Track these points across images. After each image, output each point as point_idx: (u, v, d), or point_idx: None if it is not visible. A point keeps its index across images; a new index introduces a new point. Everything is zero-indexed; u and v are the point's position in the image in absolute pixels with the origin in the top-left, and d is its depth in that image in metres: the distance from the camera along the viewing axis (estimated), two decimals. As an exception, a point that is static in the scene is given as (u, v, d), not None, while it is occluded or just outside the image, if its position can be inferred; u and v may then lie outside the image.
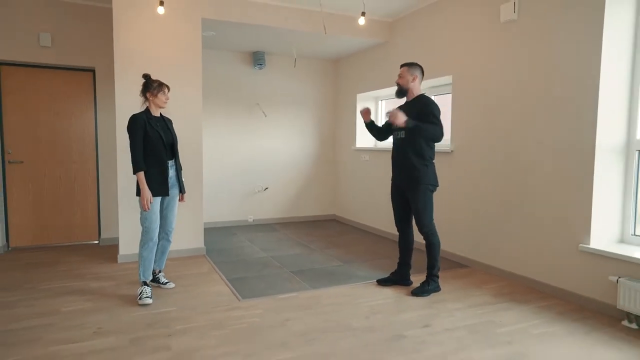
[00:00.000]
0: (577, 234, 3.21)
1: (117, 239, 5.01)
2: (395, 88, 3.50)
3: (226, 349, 2.49)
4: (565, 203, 3.29)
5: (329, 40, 5.38)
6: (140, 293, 3.20)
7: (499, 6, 3.81)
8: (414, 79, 3.38)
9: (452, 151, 4.42)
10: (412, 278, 3.67)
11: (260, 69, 6.16)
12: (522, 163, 3.65)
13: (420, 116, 3.26)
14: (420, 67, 3.45)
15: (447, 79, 4.56)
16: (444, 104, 4.83)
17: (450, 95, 4.47)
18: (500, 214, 3.88)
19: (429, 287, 3.41)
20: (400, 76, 3.42)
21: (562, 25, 3.29)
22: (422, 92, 3.45)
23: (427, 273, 3.46)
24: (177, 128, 4.30)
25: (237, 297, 3.35)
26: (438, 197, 4.62)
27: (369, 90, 5.88)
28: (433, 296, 3.39)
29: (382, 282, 3.63)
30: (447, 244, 4.51)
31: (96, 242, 5.13)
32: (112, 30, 4.73)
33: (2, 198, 4.66)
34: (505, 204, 3.82)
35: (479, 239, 4.12)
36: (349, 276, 3.88)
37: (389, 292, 3.48)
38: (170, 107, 4.25)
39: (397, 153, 3.45)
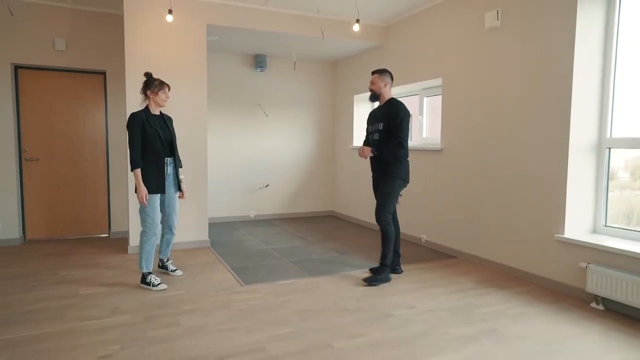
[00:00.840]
0: (553, 225, 3.49)
1: (126, 232, 5.32)
2: (369, 93, 3.79)
3: (231, 325, 2.78)
4: (543, 197, 3.57)
5: (327, 44, 5.67)
6: (150, 282, 3.45)
7: (484, 14, 4.09)
8: (385, 85, 3.69)
9: (441, 149, 4.71)
10: (402, 267, 3.96)
11: (262, 71, 6.45)
12: (504, 160, 3.93)
13: (389, 120, 3.57)
14: (390, 73, 3.76)
15: (438, 81, 4.84)
16: (435, 104, 5.13)
17: (441, 96, 4.75)
18: (484, 208, 4.16)
19: (380, 276, 3.64)
20: (372, 82, 3.72)
21: (539, 32, 3.57)
22: (392, 97, 3.73)
23: (379, 263, 3.70)
24: (183, 128, 4.61)
25: (240, 282, 3.63)
26: (428, 191, 4.92)
27: (366, 92, 6.15)
28: (419, 282, 3.68)
29: (373, 271, 3.91)
30: (436, 236, 4.80)
31: (106, 235, 5.42)
32: (121, 35, 5.03)
33: (19, 193, 4.95)
34: (489, 199, 4.10)
35: (465, 232, 4.41)
36: (345, 265, 4.16)
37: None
38: (176, 107, 4.55)
39: (377, 153, 3.69)
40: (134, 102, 4.41)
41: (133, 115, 3.43)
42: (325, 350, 2.45)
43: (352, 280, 3.71)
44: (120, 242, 5.07)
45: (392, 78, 3.78)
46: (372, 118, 3.84)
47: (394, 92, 5.73)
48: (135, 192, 3.43)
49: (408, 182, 3.74)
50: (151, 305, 3.11)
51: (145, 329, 2.72)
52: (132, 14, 4.40)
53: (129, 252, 4.56)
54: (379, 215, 3.65)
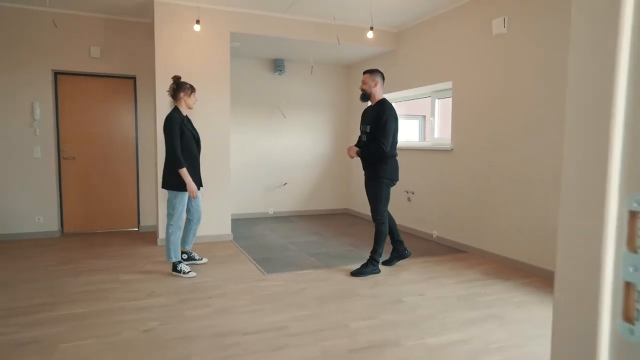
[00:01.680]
0: (556, 221, 3.72)
1: (153, 227, 5.69)
2: (360, 93, 3.95)
3: (255, 307, 3.09)
4: (547, 195, 3.80)
5: (342, 49, 5.95)
6: (181, 270, 3.77)
7: (491, 21, 4.32)
8: (375, 85, 3.83)
9: (451, 149, 4.95)
10: (413, 261, 4.22)
11: (280, 74, 6.77)
12: (510, 160, 4.16)
13: (376, 121, 3.75)
14: (381, 73, 3.90)
15: (448, 84, 5.08)
16: (446, 106, 5.37)
17: (451, 98, 4.99)
18: (492, 205, 4.39)
19: (367, 269, 3.85)
20: (363, 82, 3.87)
21: (544, 38, 3.80)
22: (383, 97, 3.88)
23: (369, 256, 3.92)
24: (208, 129, 4.96)
25: (262, 272, 3.94)
26: (438, 189, 5.16)
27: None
28: (429, 274, 3.93)
29: (386, 263, 4.18)
30: (446, 232, 5.04)
31: (136, 229, 5.80)
32: (150, 43, 5.40)
33: (58, 190, 5.36)
34: (496, 196, 4.34)
35: (473, 227, 4.64)
36: (359, 258, 4.43)
37: (391, 269, 4.03)
38: (202, 109, 4.89)
39: (364, 154, 3.91)
40: (164, 105, 4.77)
41: (171, 116, 3.66)
42: (340, 330, 2.73)
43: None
44: (149, 235, 5.43)
45: (383, 78, 3.91)
46: (364, 117, 4.00)
47: (408, 94, 5.99)
48: (163, 187, 3.76)
49: (395, 180, 3.89)
50: (183, 290, 3.44)
51: (180, 309, 3.05)
52: (162, 24, 4.75)
53: (158, 244, 4.92)
54: (374, 216, 3.87)
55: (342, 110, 7.32)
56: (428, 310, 3.07)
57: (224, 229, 5.21)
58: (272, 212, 6.96)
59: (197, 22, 4.54)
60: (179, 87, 3.75)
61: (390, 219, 4.08)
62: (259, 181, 6.86)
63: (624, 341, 0.51)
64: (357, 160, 7.06)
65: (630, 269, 0.50)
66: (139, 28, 5.51)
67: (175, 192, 3.73)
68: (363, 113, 4.07)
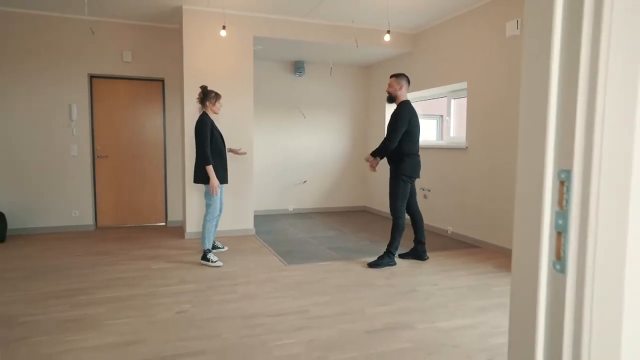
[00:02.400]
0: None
1: (180, 221, 6.00)
2: (387, 95, 4.19)
3: (278, 294, 3.32)
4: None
5: (360, 51, 6.15)
6: (209, 259, 4.06)
7: (505, 23, 4.46)
8: (400, 88, 4.06)
9: (466, 148, 5.09)
10: (429, 254, 4.39)
11: (300, 76, 7.00)
12: (523, 157, 4.29)
13: (390, 121, 4.03)
14: (406, 77, 4.12)
15: (463, 85, 5.23)
16: (461, 106, 5.51)
17: (466, 99, 5.14)
18: (505, 201, 4.53)
19: (383, 261, 4.06)
20: (389, 85, 4.12)
21: (555, 40, 3.92)
22: (405, 99, 4.08)
23: (386, 249, 4.13)
24: (232, 128, 5.23)
25: (284, 263, 4.18)
26: (454, 186, 5.31)
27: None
28: (443, 266, 4.10)
29: (402, 256, 4.36)
30: (461, 228, 5.19)
31: (163, 223, 6.12)
32: (178, 47, 5.70)
33: (92, 186, 5.71)
34: (509, 193, 4.47)
35: (487, 223, 4.78)
36: (376, 252, 4.62)
37: (407, 263, 4.21)
38: (226, 110, 5.16)
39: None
40: (191, 106, 5.05)
41: (202, 120, 4.05)
42: (357, 314, 2.94)
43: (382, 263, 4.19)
44: (176, 229, 5.74)
45: (408, 82, 4.14)
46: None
47: (424, 94, 6.14)
48: (198, 182, 4.09)
49: (414, 177, 4.08)
50: (211, 278, 3.70)
51: (209, 294, 3.30)
52: (190, 29, 5.04)
53: (186, 237, 5.21)
54: (391, 211, 4.09)
55: (360, 110, 7.51)
56: (440, 298, 3.25)
57: (247, 223, 5.47)
58: (292, 209, 7.20)
59: (224, 27, 4.80)
60: (205, 96, 4.14)
61: (420, 219, 4.26)
62: (280, 179, 7.11)
63: (555, 273, 0.71)
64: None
65: (560, 222, 0.70)
66: (168, 33, 5.82)
67: (209, 186, 4.09)
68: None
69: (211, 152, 4.05)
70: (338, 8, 5.04)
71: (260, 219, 6.58)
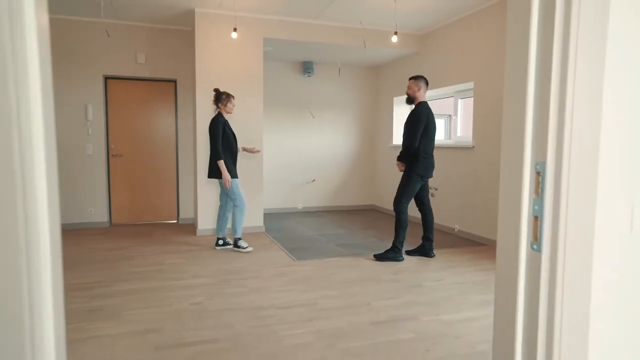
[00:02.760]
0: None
1: (191, 219, 6.15)
2: (405, 97, 4.34)
3: (287, 287, 3.44)
4: (561, 188, 3.99)
5: (369, 52, 6.24)
6: (241, 245, 4.45)
7: (511, 24, 4.53)
8: (419, 89, 4.18)
9: (473, 147, 5.17)
10: (435, 252, 4.48)
11: (309, 76, 7.12)
12: (528, 156, 4.36)
13: (407, 122, 4.18)
14: (424, 79, 4.24)
15: (470, 85, 5.30)
16: (468, 106, 5.59)
17: (472, 98, 5.22)
18: (511, 199, 4.59)
19: (388, 255, 4.20)
20: (408, 87, 4.25)
21: (560, 41, 3.99)
22: (423, 100, 4.21)
23: (392, 244, 4.26)
24: (243, 128, 5.36)
25: (292, 259, 4.30)
26: (460, 185, 5.39)
27: (404, 94, 6.67)
28: (449, 262, 4.19)
29: (409, 253, 4.46)
30: (468, 226, 5.27)
31: (175, 221, 6.27)
32: (189, 48, 5.85)
33: (107, 184, 5.88)
34: (515, 190, 4.54)
35: (494, 221, 4.86)
36: (384, 248, 4.71)
37: (414, 259, 4.31)
38: (237, 110, 5.28)
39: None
40: (203, 107, 5.19)
41: (216, 119, 4.32)
42: (364, 307, 3.05)
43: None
44: (188, 227, 5.89)
45: (426, 83, 4.27)
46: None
47: (431, 94, 6.22)
48: (212, 177, 4.36)
49: (426, 177, 4.20)
50: (223, 272, 3.83)
51: (221, 287, 3.43)
52: (202, 31, 5.18)
53: (197, 234, 5.35)
54: (395, 205, 4.21)
55: (368, 110, 7.61)
56: (445, 293, 3.35)
57: (257, 221, 5.60)
58: (300, 207, 7.32)
59: (235, 29, 4.93)
60: (218, 98, 4.42)
61: (430, 217, 4.36)
62: (289, 178, 7.23)
63: (532, 252, 0.81)
64: (384, 159, 7.35)
65: (536, 207, 0.81)
66: (180, 35, 5.97)
67: (222, 180, 4.33)
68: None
69: (222, 148, 4.30)
70: (346, 10, 5.14)
71: (270, 217, 6.71)
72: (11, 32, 0.65)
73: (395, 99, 6.99)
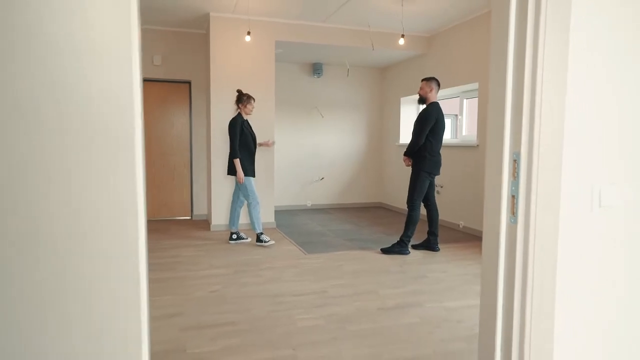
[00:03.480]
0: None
1: (204, 215, 6.37)
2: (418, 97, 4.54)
3: (299, 278, 3.65)
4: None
5: (377, 53, 6.43)
6: (263, 240, 4.68)
7: (514, 27, 4.70)
8: (430, 90, 4.37)
9: (477, 145, 5.34)
10: (440, 246, 4.66)
11: (319, 77, 7.32)
12: (530, 154, 4.53)
13: (416, 121, 4.36)
14: (436, 80, 4.42)
15: (475, 85, 5.47)
16: (473, 106, 5.76)
17: (477, 99, 5.39)
18: (514, 195, 4.76)
19: (395, 248, 4.39)
20: (420, 88, 4.45)
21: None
22: (434, 101, 4.39)
23: (399, 238, 4.45)
24: (255, 127, 5.56)
25: (303, 252, 4.50)
26: (465, 182, 5.56)
27: (411, 95, 6.87)
28: (453, 256, 4.37)
29: (415, 247, 4.65)
30: (472, 222, 5.44)
31: (189, 217, 6.51)
32: (203, 50, 6.08)
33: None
34: (518, 188, 4.71)
35: (498, 217, 5.02)
36: (390, 243, 4.90)
37: (419, 253, 4.50)
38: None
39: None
40: (217, 107, 5.41)
41: (234, 120, 4.56)
42: (371, 294, 3.25)
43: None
44: (202, 223, 6.12)
45: (438, 84, 4.45)
46: None
47: (438, 94, 6.39)
48: (228, 174, 4.63)
49: (434, 174, 4.39)
50: (238, 264, 4.05)
51: (237, 277, 3.65)
52: (216, 34, 5.40)
53: (211, 229, 5.58)
54: (409, 202, 4.41)
55: (375, 110, 7.80)
56: (449, 283, 3.53)
57: (269, 217, 5.81)
58: (310, 205, 7.52)
59: (248, 33, 5.15)
60: (239, 99, 4.67)
61: (435, 211, 4.55)
62: (299, 176, 7.44)
63: (511, 224, 1.01)
64: (391, 158, 7.54)
65: (513, 188, 1.00)
66: (195, 38, 6.20)
67: (244, 178, 4.58)
68: None
69: (240, 147, 4.54)
70: (355, 13, 5.34)
71: (280, 213, 6.92)
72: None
73: (402, 99, 7.17)
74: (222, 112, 5.40)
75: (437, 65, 6.13)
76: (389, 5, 4.99)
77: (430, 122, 4.28)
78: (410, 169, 4.54)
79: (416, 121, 4.39)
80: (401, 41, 5.11)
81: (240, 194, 4.79)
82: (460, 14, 5.33)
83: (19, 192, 0.99)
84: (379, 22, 5.70)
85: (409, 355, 2.35)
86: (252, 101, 4.66)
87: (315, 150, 7.49)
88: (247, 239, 4.91)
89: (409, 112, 7.17)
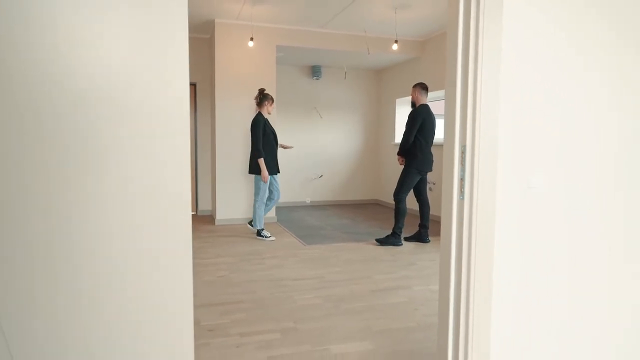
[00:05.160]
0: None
1: (209, 210, 6.70)
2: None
3: (299, 266, 3.97)
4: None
5: (372, 57, 6.76)
6: (263, 235, 4.93)
7: (500, 34, 5.03)
8: (418, 94, 4.73)
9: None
10: (430, 238, 4.99)
11: (317, 79, 7.65)
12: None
13: (407, 121, 4.70)
14: (421, 85, 4.74)
15: (465, 88, 5.79)
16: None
17: (467, 100, 5.71)
18: (500, 191, 5.09)
19: (388, 239, 4.72)
20: (411, 94, 4.83)
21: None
22: (423, 103, 4.72)
23: (392, 230, 4.78)
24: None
25: (303, 243, 4.83)
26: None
27: (406, 96, 7.20)
28: (443, 247, 4.69)
29: (407, 239, 4.97)
30: (463, 217, 5.76)
31: (194, 212, 6.83)
32: (208, 54, 6.40)
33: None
34: (503, 184, 5.03)
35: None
36: (384, 235, 5.23)
37: (411, 244, 4.82)
38: (252, 110, 5.83)
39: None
40: (221, 106, 5.73)
41: (257, 119, 4.78)
42: (364, 279, 3.57)
43: (388, 245, 4.80)
44: (206, 218, 6.44)
45: (424, 88, 4.77)
46: None
47: (432, 95, 6.72)
48: (252, 173, 4.86)
49: (424, 171, 4.73)
50: (243, 253, 4.37)
51: (242, 265, 3.97)
52: (221, 39, 5.72)
53: (216, 223, 5.90)
54: (395, 195, 4.73)
55: (371, 111, 8.13)
56: (435, 269, 3.86)
57: (270, 213, 6.13)
58: (309, 201, 7.85)
59: (251, 38, 5.48)
60: (264, 98, 4.88)
61: (427, 205, 4.89)
62: (298, 174, 7.77)
63: (460, 199, 1.34)
64: (387, 156, 7.87)
65: (461, 173, 1.33)
66: (200, 42, 6.53)
67: (259, 176, 4.85)
68: None
69: (263, 147, 4.78)
70: (352, 19, 5.67)
71: (281, 210, 7.25)
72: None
73: (397, 100, 7.50)
74: (226, 111, 5.73)
75: (430, 68, 6.46)
76: (384, 12, 5.32)
77: (417, 122, 4.60)
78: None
79: (407, 122, 4.72)
80: (394, 46, 5.43)
81: (274, 189, 5.00)
82: (450, 20, 5.65)
83: (95, 182, 1.31)
84: (375, 28, 6.03)
85: (395, 326, 2.67)
86: (273, 103, 4.94)
87: (314, 150, 7.81)
88: (270, 237, 5.01)
89: (404, 113, 7.50)
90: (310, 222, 6.20)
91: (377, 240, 4.78)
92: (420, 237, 4.91)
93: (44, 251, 1.24)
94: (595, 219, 1.50)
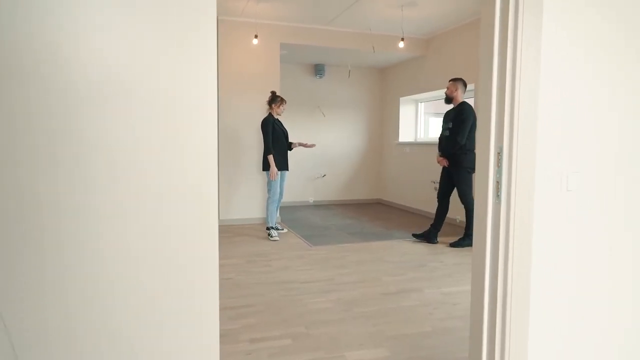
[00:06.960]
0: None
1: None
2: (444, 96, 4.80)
3: (307, 267, 3.90)
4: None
5: (377, 55, 6.69)
6: (270, 234, 4.95)
7: (508, 32, 4.96)
8: (456, 90, 4.62)
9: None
10: (438, 239, 4.93)
11: (321, 78, 7.57)
12: (523, 151, 4.79)
13: (456, 121, 4.54)
14: (462, 81, 4.65)
15: (471, 86, 5.73)
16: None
17: (473, 99, 5.64)
18: (508, 191, 5.02)
19: (463, 242, 4.62)
20: (447, 88, 4.70)
21: (552, 48, 4.42)
22: (463, 100, 4.64)
23: (464, 233, 4.68)
24: (258, 126, 5.81)
25: (308, 244, 4.76)
26: (462, 180, 5.81)
27: (410, 95, 7.13)
28: (449, 247, 4.63)
29: (415, 236, 4.91)
30: (469, 217, 5.70)
31: (197, 213, 6.74)
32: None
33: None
34: (511, 183, 4.97)
35: (493, 212, 5.28)
36: (391, 236, 5.17)
37: (419, 245, 4.76)
38: (255, 110, 5.75)
39: (444, 145, 4.71)
40: (225, 104, 5.65)
41: (266, 119, 4.96)
42: (374, 281, 3.51)
43: (396, 245, 4.74)
44: (209, 218, 6.36)
45: (465, 84, 4.69)
46: (446, 117, 4.79)
47: (436, 94, 6.66)
48: (263, 170, 5.00)
49: (474, 170, 4.61)
50: (249, 254, 4.30)
51: (249, 267, 3.90)
52: (225, 37, 5.64)
53: (219, 224, 5.83)
54: (463, 200, 4.60)
55: (375, 110, 8.06)
56: (445, 271, 3.80)
57: (274, 212, 6.06)
58: (312, 201, 7.78)
59: (256, 36, 5.40)
60: (273, 100, 5.03)
61: (446, 211, 4.81)
62: (301, 173, 7.69)
63: (496, 202, 1.27)
64: (390, 155, 7.80)
65: (497, 175, 1.26)
66: (202, 40, 6.43)
67: (269, 172, 4.94)
68: (445, 114, 4.85)
69: (273, 145, 4.93)
70: (357, 17, 5.59)
71: (284, 209, 7.17)
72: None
73: (401, 98, 7.43)
74: (230, 110, 5.65)
75: (435, 66, 6.39)
76: (390, 10, 5.24)
77: (470, 121, 4.50)
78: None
79: (455, 121, 4.55)
80: (401, 44, 5.36)
81: (284, 186, 5.19)
82: (457, 17, 5.59)
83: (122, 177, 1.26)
84: (380, 26, 5.95)
85: (410, 331, 2.60)
86: (284, 104, 5.04)
87: (317, 149, 7.72)
88: (283, 229, 5.34)
89: (408, 112, 7.43)
90: (314, 221, 6.13)
91: (450, 244, 4.69)
92: (429, 237, 4.85)
93: (74, 255, 1.22)
94: (633, 222, 1.44)
